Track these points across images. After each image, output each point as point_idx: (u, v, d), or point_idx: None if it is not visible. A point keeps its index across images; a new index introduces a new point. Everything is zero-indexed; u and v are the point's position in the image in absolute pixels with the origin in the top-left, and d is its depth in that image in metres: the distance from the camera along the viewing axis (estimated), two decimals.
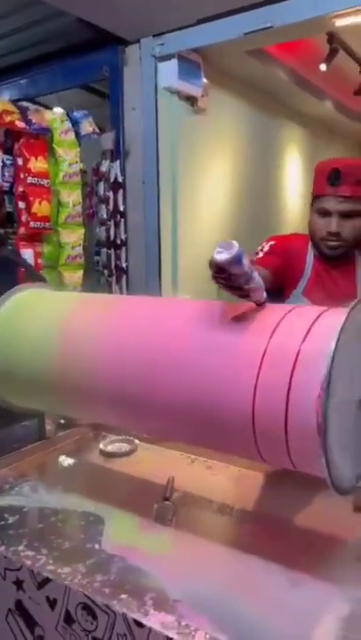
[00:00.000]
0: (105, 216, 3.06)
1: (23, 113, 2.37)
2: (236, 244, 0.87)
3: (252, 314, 0.98)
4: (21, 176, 2.36)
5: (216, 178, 3.69)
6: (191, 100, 3.22)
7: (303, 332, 0.90)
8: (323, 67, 3.54)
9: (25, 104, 2.64)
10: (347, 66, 3.80)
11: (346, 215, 1.58)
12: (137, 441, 1.54)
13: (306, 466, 0.89)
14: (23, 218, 2.38)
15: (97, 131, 2.83)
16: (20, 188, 2.36)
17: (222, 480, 1.35)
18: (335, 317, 0.89)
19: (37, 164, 2.39)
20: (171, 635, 0.80)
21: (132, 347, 1.09)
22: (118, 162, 3.05)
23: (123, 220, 3.06)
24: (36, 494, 1.29)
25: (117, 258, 3.05)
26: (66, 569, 0.97)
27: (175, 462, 1.44)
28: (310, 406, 0.83)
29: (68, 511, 1.22)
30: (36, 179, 2.39)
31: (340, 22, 2.59)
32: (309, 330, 0.90)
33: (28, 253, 2.35)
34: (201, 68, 3.14)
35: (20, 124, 2.33)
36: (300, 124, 4.86)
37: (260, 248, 1.72)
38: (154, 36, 2.93)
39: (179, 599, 0.90)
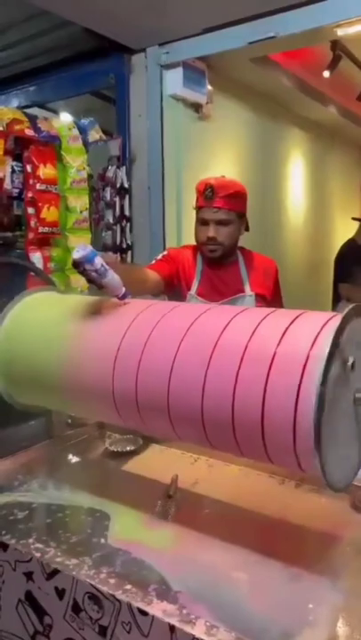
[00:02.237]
0: (111, 221, 3.10)
1: (32, 121, 2.42)
2: (89, 247, 1.21)
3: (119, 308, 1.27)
4: (30, 182, 2.41)
5: None
6: (196, 106, 3.27)
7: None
8: (326, 73, 3.59)
9: (34, 112, 2.70)
10: (350, 71, 3.84)
11: (220, 223, 1.85)
12: (141, 440, 1.59)
13: (302, 464, 0.93)
14: (32, 223, 2.43)
15: (104, 138, 2.88)
16: (30, 194, 2.42)
17: (223, 478, 1.40)
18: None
19: (46, 171, 2.44)
20: (173, 622, 0.85)
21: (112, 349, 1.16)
22: (124, 168, 3.10)
23: (129, 224, 3.11)
24: (45, 491, 1.34)
25: (123, 262, 3.10)
26: (73, 561, 1.01)
27: (178, 461, 1.49)
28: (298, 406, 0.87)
29: (75, 507, 1.27)
30: (44, 185, 2.44)
31: (341, 31, 2.63)
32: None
33: (37, 257, 2.41)
34: (206, 75, 3.19)
35: (30, 132, 2.38)
36: (304, 129, 4.90)
37: (156, 256, 2.00)
38: (160, 44, 2.98)
39: (180, 590, 0.94)
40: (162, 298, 1.94)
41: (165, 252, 2.00)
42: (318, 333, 0.91)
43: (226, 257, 1.91)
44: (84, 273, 1.22)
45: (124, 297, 1.27)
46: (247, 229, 1.99)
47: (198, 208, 1.90)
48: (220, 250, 1.88)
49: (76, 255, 1.20)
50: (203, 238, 1.89)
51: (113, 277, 1.25)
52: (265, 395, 0.92)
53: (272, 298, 1.95)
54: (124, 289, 1.27)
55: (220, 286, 1.92)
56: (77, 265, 1.21)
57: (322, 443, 0.86)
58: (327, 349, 0.87)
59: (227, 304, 1.82)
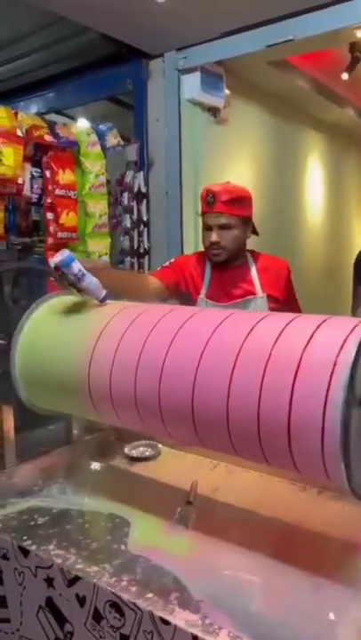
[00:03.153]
0: (129, 225, 3.11)
1: (51, 127, 2.43)
2: (67, 252, 1.31)
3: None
4: (50, 188, 2.41)
5: None
6: (213, 110, 3.27)
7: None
8: (345, 76, 3.57)
9: (52, 119, 2.72)
10: None
11: (223, 227, 1.89)
12: (160, 445, 1.59)
13: (326, 471, 0.92)
14: (51, 228, 2.44)
15: (121, 143, 2.89)
16: (49, 200, 2.42)
17: (244, 485, 1.39)
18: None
19: (65, 177, 2.45)
20: (195, 632, 0.84)
21: (149, 355, 1.15)
22: (142, 172, 3.11)
23: (146, 229, 3.11)
24: (65, 496, 1.34)
25: (141, 266, 3.11)
26: (94, 568, 1.01)
27: (198, 467, 1.48)
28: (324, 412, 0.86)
29: (95, 513, 1.26)
30: (63, 190, 2.44)
31: None
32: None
33: None
34: (223, 79, 3.19)
35: (49, 138, 2.39)
36: (321, 130, 4.87)
37: (163, 264, 2.08)
38: (177, 49, 2.99)
39: (202, 599, 0.93)
40: (172, 302, 1.99)
41: (173, 260, 2.07)
42: (346, 339, 0.90)
43: (232, 260, 1.94)
44: (62, 277, 1.31)
45: (104, 300, 1.36)
46: (255, 233, 2.01)
47: (202, 214, 1.96)
48: (225, 253, 1.91)
49: (54, 260, 1.30)
50: (207, 243, 1.95)
51: (91, 281, 1.33)
52: (291, 401, 0.91)
53: (285, 299, 1.96)
54: (104, 292, 1.36)
55: (230, 289, 1.95)
56: (56, 269, 1.30)
57: (350, 449, 0.85)
58: (353, 355, 0.85)
59: (238, 306, 1.84)
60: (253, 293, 1.92)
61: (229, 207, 1.88)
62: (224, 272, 1.96)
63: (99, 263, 1.50)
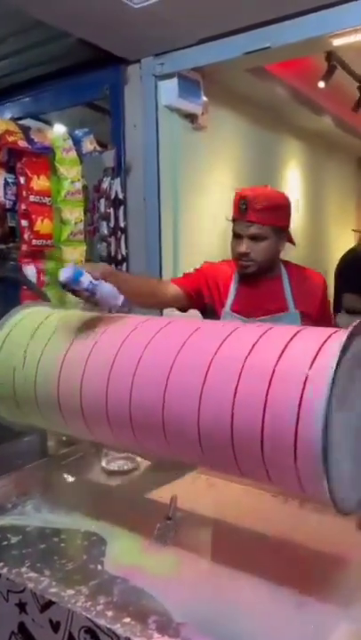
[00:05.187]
0: (106, 232, 3.07)
1: (26, 132, 2.39)
2: (72, 268, 1.20)
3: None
4: (24, 194, 2.37)
5: (217, 194, 3.71)
6: (191, 117, 3.26)
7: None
8: (321, 84, 3.59)
9: (27, 124, 2.68)
10: (345, 82, 3.85)
11: (254, 238, 1.72)
12: (138, 459, 1.54)
13: (307, 486, 0.89)
14: (26, 235, 2.39)
15: (98, 149, 2.86)
16: (23, 206, 2.38)
17: (225, 498, 1.35)
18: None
19: (39, 183, 2.41)
20: None
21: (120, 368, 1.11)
22: (119, 179, 3.08)
23: (124, 236, 3.08)
24: (39, 513, 1.28)
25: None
26: (69, 591, 0.96)
27: (177, 480, 1.44)
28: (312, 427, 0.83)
29: (71, 531, 1.22)
30: (38, 197, 2.40)
31: (337, 41, 2.63)
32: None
33: (30, 270, 2.36)
34: (201, 86, 3.18)
35: (23, 144, 2.34)
36: (300, 138, 4.91)
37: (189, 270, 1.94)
38: (155, 55, 2.98)
39: (182, 622, 0.89)
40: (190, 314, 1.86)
41: (198, 267, 1.91)
42: (320, 350, 0.88)
43: (262, 272, 1.77)
44: (74, 293, 1.23)
45: (123, 305, 1.27)
46: (291, 242, 1.84)
47: (233, 220, 1.78)
48: (254, 266, 1.75)
49: (61, 278, 1.21)
50: (235, 253, 1.77)
51: (106, 290, 1.24)
52: (265, 414, 0.88)
53: (318, 317, 1.79)
54: (121, 297, 1.26)
55: (259, 303, 1.77)
56: (64, 287, 1.22)
57: (329, 465, 0.82)
58: (333, 367, 0.83)
59: (267, 323, 1.70)
60: (285, 309, 1.75)
61: (263, 216, 1.70)
62: (253, 284, 1.78)
63: (101, 267, 1.42)
